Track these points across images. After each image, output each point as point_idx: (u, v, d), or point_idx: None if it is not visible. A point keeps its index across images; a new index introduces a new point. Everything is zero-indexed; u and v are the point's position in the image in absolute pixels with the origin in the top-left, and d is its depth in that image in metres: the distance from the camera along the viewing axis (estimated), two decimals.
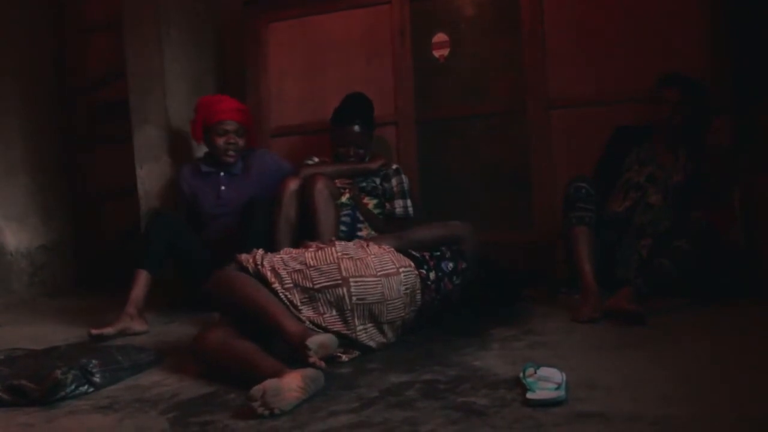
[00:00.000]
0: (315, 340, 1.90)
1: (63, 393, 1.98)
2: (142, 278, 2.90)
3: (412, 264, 2.31)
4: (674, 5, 3.12)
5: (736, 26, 2.96)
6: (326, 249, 2.24)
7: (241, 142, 3.25)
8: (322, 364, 1.89)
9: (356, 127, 3.18)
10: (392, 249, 2.33)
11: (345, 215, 3.10)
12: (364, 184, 3.20)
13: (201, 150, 3.50)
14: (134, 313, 2.83)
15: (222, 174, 3.28)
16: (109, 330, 2.72)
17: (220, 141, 3.20)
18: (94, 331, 2.69)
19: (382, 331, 2.23)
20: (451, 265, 2.45)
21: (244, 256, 2.24)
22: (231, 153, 3.23)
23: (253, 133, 3.42)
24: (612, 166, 2.92)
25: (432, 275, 2.36)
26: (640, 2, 3.18)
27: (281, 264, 2.19)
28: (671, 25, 3.11)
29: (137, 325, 2.82)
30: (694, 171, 2.78)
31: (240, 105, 3.30)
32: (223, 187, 3.26)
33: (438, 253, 2.45)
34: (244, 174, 3.29)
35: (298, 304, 2.13)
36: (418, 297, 2.29)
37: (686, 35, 3.08)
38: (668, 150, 2.85)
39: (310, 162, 3.26)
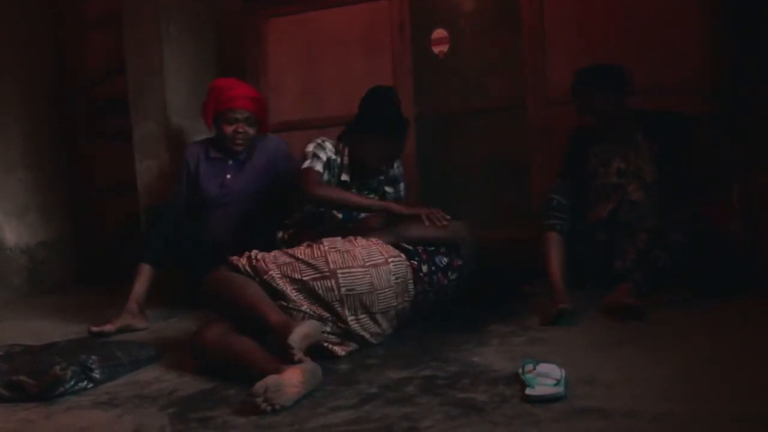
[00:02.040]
0: (297, 335, 1.88)
1: (62, 389, 1.99)
2: (145, 272, 2.88)
3: (403, 255, 2.34)
4: (674, 5, 3.12)
5: (736, 26, 2.96)
6: (315, 245, 2.27)
7: (251, 131, 3.13)
8: (307, 359, 1.87)
9: (404, 139, 2.87)
10: (380, 241, 2.35)
11: None
12: (371, 180, 3.00)
13: None
14: (135, 310, 2.82)
15: (230, 162, 3.18)
16: (109, 327, 2.71)
17: (229, 129, 3.09)
18: (94, 329, 2.68)
19: (375, 321, 2.24)
20: (445, 260, 2.47)
21: (235, 258, 2.25)
22: (239, 142, 3.12)
23: (266, 122, 3.30)
24: (575, 166, 2.93)
25: (425, 268, 2.39)
26: (640, 1, 3.18)
27: (272, 259, 2.22)
28: (671, 24, 3.11)
29: (138, 323, 2.81)
30: (665, 160, 2.78)
31: (254, 92, 3.17)
32: (228, 176, 3.17)
33: (432, 248, 2.47)
34: (252, 163, 3.18)
35: (290, 292, 2.14)
36: (411, 287, 2.32)
37: (686, 35, 3.08)
38: (623, 140, 2.85)
39: (320, 154, 2.84)
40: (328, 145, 2.89)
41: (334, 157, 2.89)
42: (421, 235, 2.50)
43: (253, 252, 2.26)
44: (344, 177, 2.90)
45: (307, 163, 2.81)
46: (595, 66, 2.84)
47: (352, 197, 2.74)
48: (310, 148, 2.86)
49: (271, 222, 2.94)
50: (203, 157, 3.23)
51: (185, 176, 3.27)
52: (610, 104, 2.78)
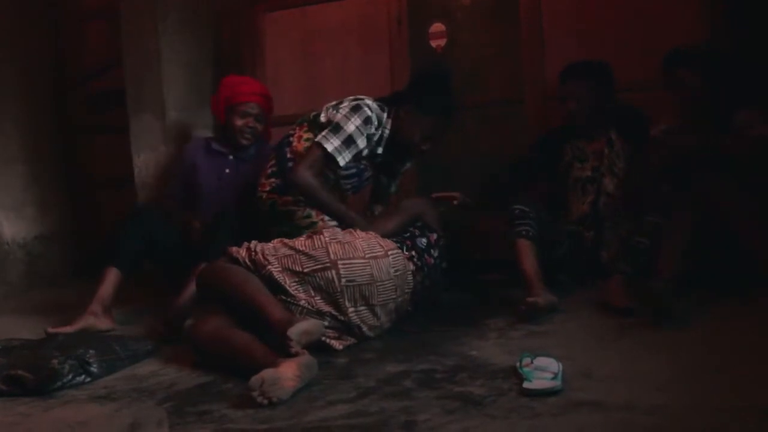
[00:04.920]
0: (297, 329, 1.89)
1: (60, 383, 1.99)
2: (112, 276, 2.76)
3: (399, 248, 2.36)
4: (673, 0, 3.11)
5: (735, 24, 2.95)
6: (315, 237, 2.27)
7: (260, 127, 3.20)
8: (304, 352, 1.88)
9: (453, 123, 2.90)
10: (377, 235, 2.37)
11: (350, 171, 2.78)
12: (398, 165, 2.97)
13: None
14: (99, 311, 2.70)
15: (231, 157, 3.21)
16: (67, 329, 2.58)
17: (240, 122, 3.14)
18: (51, 330, 2.56)
19: (374, 314, 2.24)
20: (424, 240, 2.50)
21: (234, 249, 2.24)
22: (247, 136, 3.17)
23: (269, 124, 3.34)
24: (548, 165, 2.98)
25: (414, 254, 2.42)
26: None
27: (272, 251, 2.22)
28: (670, 19, 3.10)
29: (101, 324, 2.69)
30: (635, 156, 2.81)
31: (265, 90, 3.25)
32: (227, 170, 3.19)
33: (407, 234, 2.49)
34: (252, 162, 3.19)
35: (290, 286, 2.15)
36: (410, 279, 2.34)
37: (685, 30, 3.06)
38: (598, 137, 2.90)
39: (359, 141, 2.62)
40: (374, 118, 2.67)
41: (374, 132, 2.69)
42: (393, 226, 2.52)
43: (253, 243, 2.26)
44: (379, 150, 2.77)
45: (331, 145, 2.59)
46: (584, 61, 2.90)
47: (332, 203, 2.62)
48: (354, 125, 2.61)
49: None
50: (203, 151, 3.25)
51: (181, 170, 3.28)
52: (593, 99, 2.84)
